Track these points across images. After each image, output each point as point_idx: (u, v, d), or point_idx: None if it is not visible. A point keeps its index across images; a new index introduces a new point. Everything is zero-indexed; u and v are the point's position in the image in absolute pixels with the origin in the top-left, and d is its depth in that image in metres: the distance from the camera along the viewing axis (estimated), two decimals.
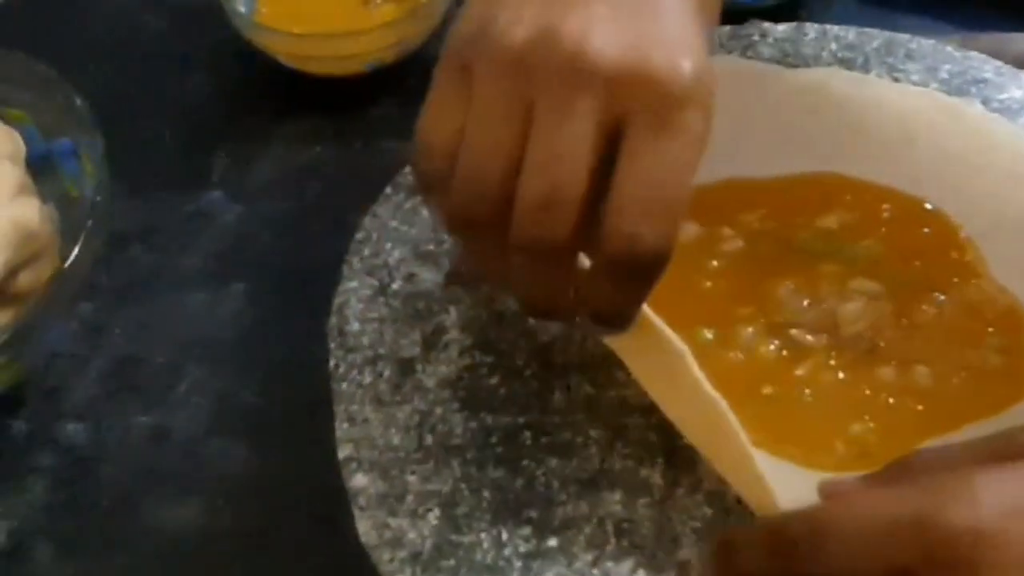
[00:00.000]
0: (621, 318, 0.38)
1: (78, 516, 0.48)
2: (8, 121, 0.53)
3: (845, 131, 0.51)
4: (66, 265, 0.47)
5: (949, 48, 0.53)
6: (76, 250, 0.47)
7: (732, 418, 0.38)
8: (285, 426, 0.49)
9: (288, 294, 0.54)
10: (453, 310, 0.47)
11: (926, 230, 0.49)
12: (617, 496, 0.41)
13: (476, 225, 0.36)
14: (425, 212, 0.50)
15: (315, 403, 0.46)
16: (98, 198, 0.49)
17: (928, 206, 0.49)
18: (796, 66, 0.53)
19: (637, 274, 0.35)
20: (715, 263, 0.48)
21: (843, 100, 0.52)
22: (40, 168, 0.53)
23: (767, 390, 0.44)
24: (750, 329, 0.46)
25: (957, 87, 0.52)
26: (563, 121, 0.34)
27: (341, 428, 0.44)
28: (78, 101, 0.52)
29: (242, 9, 0.62)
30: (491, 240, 0.36)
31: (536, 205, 0.34)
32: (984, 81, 0.52)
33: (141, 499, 0.48)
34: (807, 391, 0.44)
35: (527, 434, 0.43)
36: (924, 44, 0.54)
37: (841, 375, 0.45)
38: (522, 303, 0.39)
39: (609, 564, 0.40)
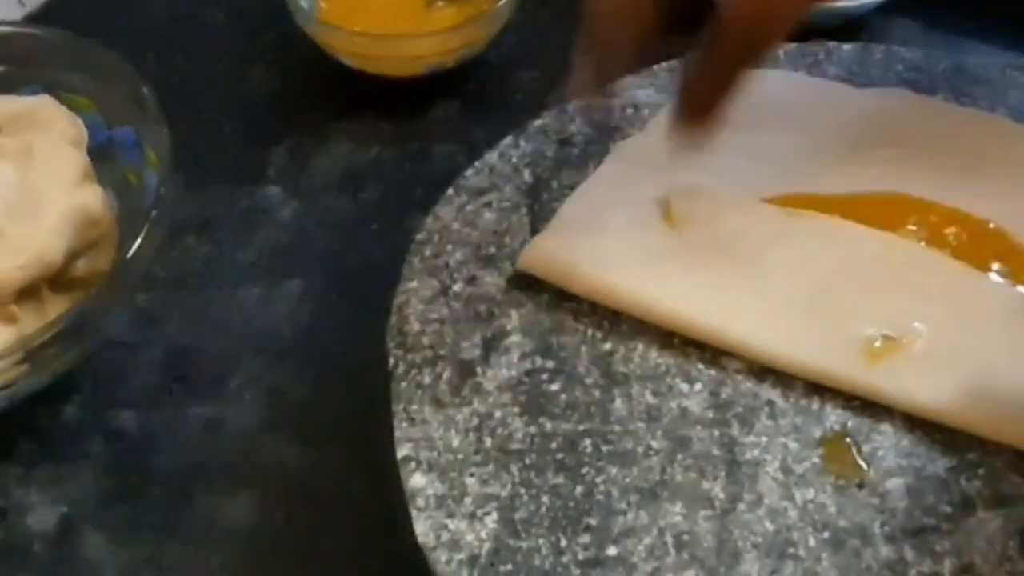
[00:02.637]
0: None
1: (129, 504, 0.48)
2: (73, 107, 0.53)
3: (910, 152, 0.51)
4: (129, 255, 0.47)
5: (1017, 74, 0.53)
6: (139, 240, 0.47)
7: None
8: (339, 424, 0.49)
9: (344, 292, 0.54)
10: (514, 314, 0.46)
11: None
12: (678, 507, 0.41)
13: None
14: (487, 215, 0.50)
15: (369, 402, 0.45)
16: (163, 189, 0.49)
17: (992, 227, 0.49)
18: (862, 85, 0.53)
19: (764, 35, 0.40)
20: None
21: (909, 121, 0.52)
22: (99, 155, 0.53)
23: None
24: None
25: None
26: None
27: (400, 428, 0.43)
28: (145, 91, 0.52)
29: (303, 4, 0.62)
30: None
31: None
32: None
33: (193, 491, 0.48)
34: None
35: (587, 442, 0.43)
36: (992, 69, 0.53)
37: None
38: (690, 104, 0.42)
39: None
